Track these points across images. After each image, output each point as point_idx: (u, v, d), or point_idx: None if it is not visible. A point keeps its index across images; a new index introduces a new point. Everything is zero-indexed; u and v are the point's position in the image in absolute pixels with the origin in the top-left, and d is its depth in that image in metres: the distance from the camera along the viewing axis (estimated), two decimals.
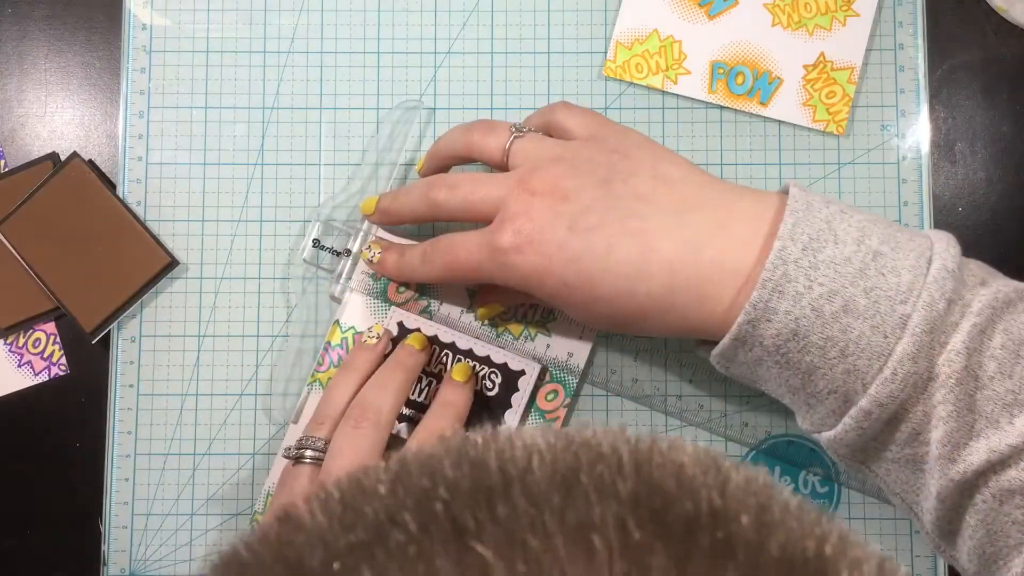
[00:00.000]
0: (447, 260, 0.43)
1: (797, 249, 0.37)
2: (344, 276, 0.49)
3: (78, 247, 0.50)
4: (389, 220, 0.47)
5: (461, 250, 0.43)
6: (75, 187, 0.50)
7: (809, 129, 0.51)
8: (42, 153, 0.52)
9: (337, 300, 0.49)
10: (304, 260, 0.49)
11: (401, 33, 0.52)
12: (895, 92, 0.51)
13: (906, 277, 0.36)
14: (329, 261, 0.49)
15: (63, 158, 0.51)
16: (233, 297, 0.50)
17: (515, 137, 0.43)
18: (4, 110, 0.52)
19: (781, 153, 0.51)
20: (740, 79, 0.50)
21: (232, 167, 0.51)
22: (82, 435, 0.50)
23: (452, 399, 0.45)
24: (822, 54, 0.50)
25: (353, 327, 0.49)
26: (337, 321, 0.49)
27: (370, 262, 0.47)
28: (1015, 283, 0.38)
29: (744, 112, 0.51)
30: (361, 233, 0.48)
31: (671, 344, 0.50)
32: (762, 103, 0.50)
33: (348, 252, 0.49)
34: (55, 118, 0.52)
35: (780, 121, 0.51)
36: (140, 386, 0.50)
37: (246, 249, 0.51)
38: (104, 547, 0.49)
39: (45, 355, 0.51)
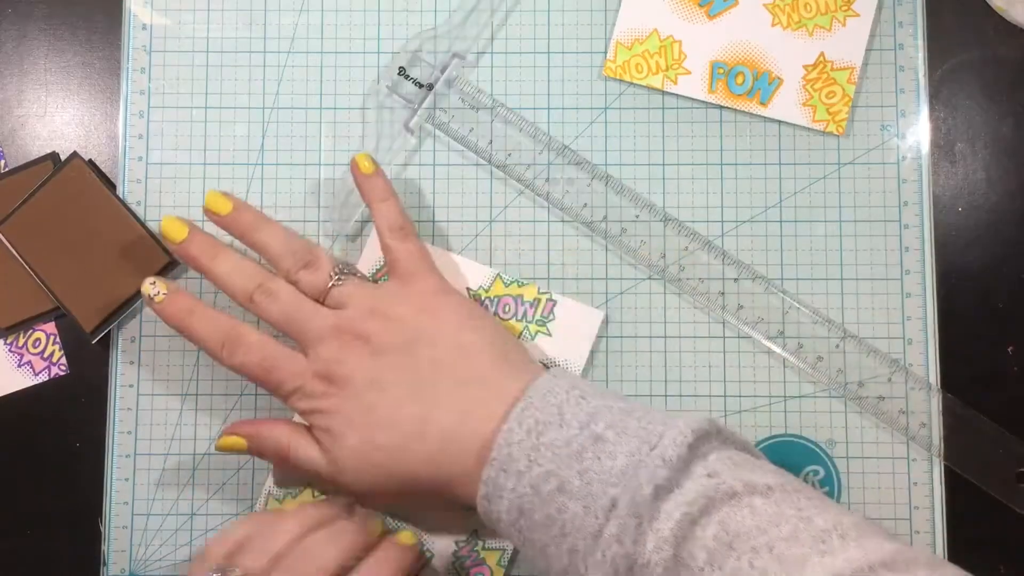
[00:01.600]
0: (253, 362, 0.45)
1: (522, 431, 0.39)
2: (423, 109, 0.49)
3: (78, 247, 0.50)
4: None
5: (283, 368, 0.44)
6: (75, 187, 0.50)
7: (809, 129, 0.51)
8: (42, 153, 0.52)
9: (411, 131, 0.49)
10: (387, 87, 0.49)
11: (401, 33, 0.52)
12: (895, 92, 0.51)
13: (621, 461, 0.37)
14: (411, 92, 0.49)
15: (63, 158, 0.51)
16: None
17: (335, 283, 0.45)
18: (4, 110, 0.52)
19: (781, 153, 0.51)
20: (740, 79, 0.50)
21: (232, 167, 0.51)
22: (82, 435, 0.50)
23: (394, 556, 0.43)
24: (822, 54, 0.50)
25: None
26: None
27: (150, 299, 0.46)
28: (752, 478, 0.37)
29: (744, 112, 0.51)
30: (450, 68, 0.49)
31: (671, 344, 0.50)
32: (762, 103, 0.50)
33: (431, 86, 0.49)
34: (55, 118, 0.52)
35: (780, 121, 0.51)
36: (140, 386, 0.50)
37: (246, 249, 0.51)
38: (104, 547, 0.49)
39: (45, 355, 0.51)
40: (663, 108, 0.51)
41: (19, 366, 0.51)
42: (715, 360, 0.50)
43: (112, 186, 0.51)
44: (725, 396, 0.49)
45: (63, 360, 0.51)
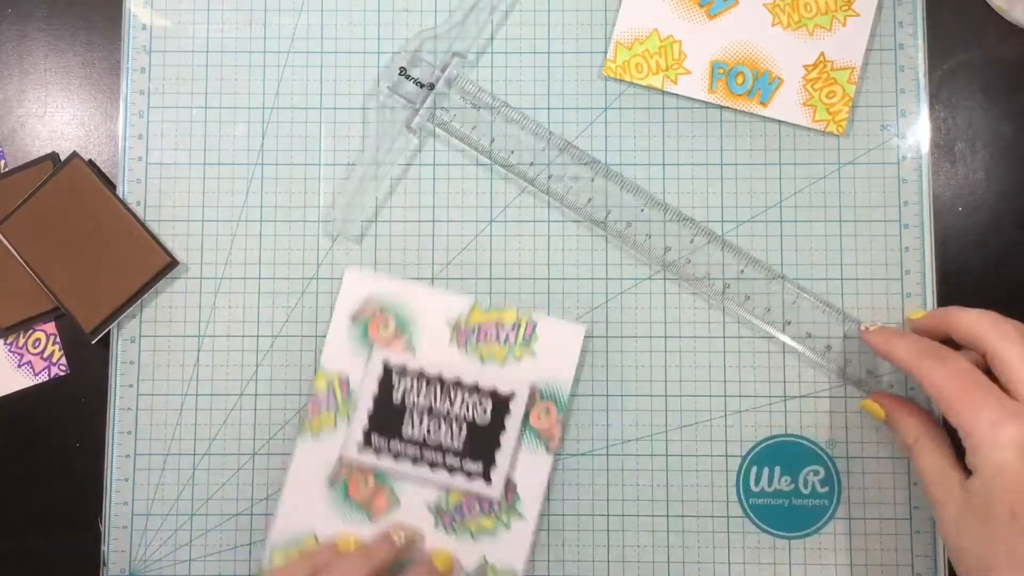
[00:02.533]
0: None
1: None
2: (424, 108, 0.49)
3: (78, 247, 0.50)
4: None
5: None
6: (75, 187, 0.50)
7: (809, 129, 0.51)
8: (42, 153, 0.52)
9: (412, 131, 0.49)
10: (388, 88, 0.49)
11: (401, 33, 0.52)
12: (895, 92, 0.51)
13: None
14: (412, 92, 0.49)
15: (63, 158, 0.51)
16: (233, 297, 0.50)
17: None
18: (4, 110, 0.52)
19: (781, 153, 0.51)
20: (740, 79, 0.50)
21: (232, 167, 0.51)
22: (82, 435, 0.50)
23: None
24: (822, 54, 0.50)
25: (339, 371, 0.48)
26: (322, 368, 0.49)
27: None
28: None
29: (744, 112, 0.51)
30: (450, 67, 0.49)
31: (671, 344, 0.50)
32: (762, 103, 0.50)
33: (432, 86, 0.49)
34: (55, 118, 0.52)
35: (780, 121, 0.51)
36: (140, 386, 0.50)
37: (246, 249, 0.51)
38: (104, 547, 0.49)
39: (45, 355, 0.51)
40: (663, 108, 0.51)
41: (19, 366, 0.51)
42: (715, 360, 0.50)
43: (112, 186, 0.51)
44: (725, 396, 0.49)
45: (63, 360, 0.51)
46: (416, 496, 0.48)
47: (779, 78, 0.50)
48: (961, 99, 0.51)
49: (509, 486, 0.48)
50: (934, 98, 0.51)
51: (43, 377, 0.51)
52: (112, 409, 0.50)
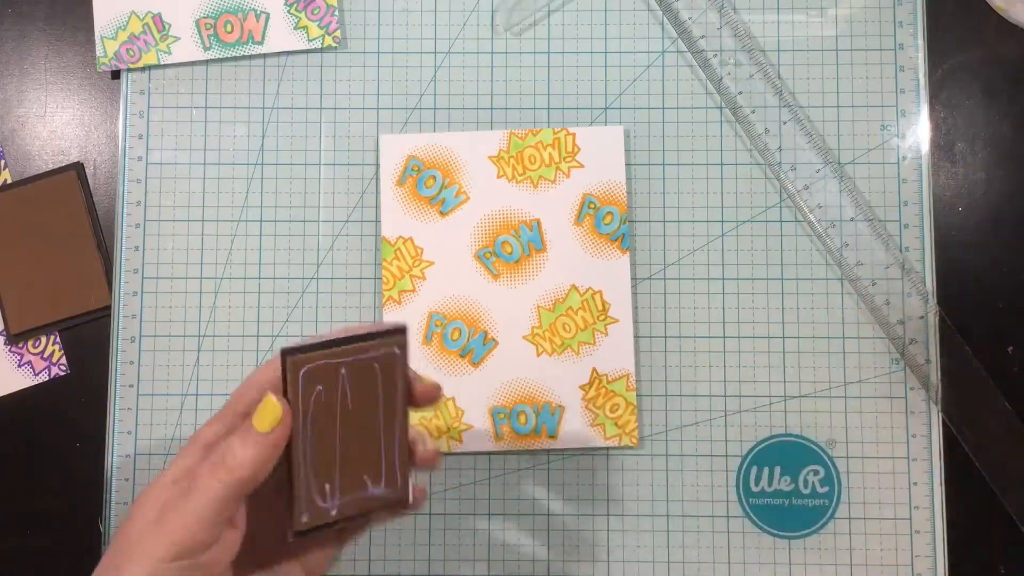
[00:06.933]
0: None
1: None
2: None
3: (37, 253, 0.50)
4: None
5: None
6: (57, 196, 0.50)
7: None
8: (42, 153, 0.52)
9: None
10: None
11: (401, 33, 0.52)
12: (895, 92, 0.51)
13: None
14: None
15: (70, 164, 0.51)
16: (233, 297, 0.50)
17: None
18: (4, 110, 0.52)
19: (782, 153, 0.51)
20: (523, 419, 0.49)
21: (232, 167, 0.51)
22: (82, 435, 0.50)
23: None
24: (594, 370, 0.49)
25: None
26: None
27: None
28: None
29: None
30: None
31: (671, 344, 0.50)
32: (551, 436, 0.49)
33: None
34: (55, 118, 0.52)
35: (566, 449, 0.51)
36: (140, 386, 0.50)
37: (246, 249, 0.51)
38: (104, 547, 0.49)
39: (45, 355, 0.51)
40: (663, 108, 0.51)
41: (19, 366, 0.51)
42: (715, 360, 0.50)
43: (95, 213, 0.51)
44: (725, 396, 0.49)
45: (63, 360, 0.51)
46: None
47: (560, 406, 0.49)
48: (961, 99, 0.51)
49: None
50: (934, 98, 0.51)
51: (43, 377, 0.51)
52: (112, 409, 0.50)
